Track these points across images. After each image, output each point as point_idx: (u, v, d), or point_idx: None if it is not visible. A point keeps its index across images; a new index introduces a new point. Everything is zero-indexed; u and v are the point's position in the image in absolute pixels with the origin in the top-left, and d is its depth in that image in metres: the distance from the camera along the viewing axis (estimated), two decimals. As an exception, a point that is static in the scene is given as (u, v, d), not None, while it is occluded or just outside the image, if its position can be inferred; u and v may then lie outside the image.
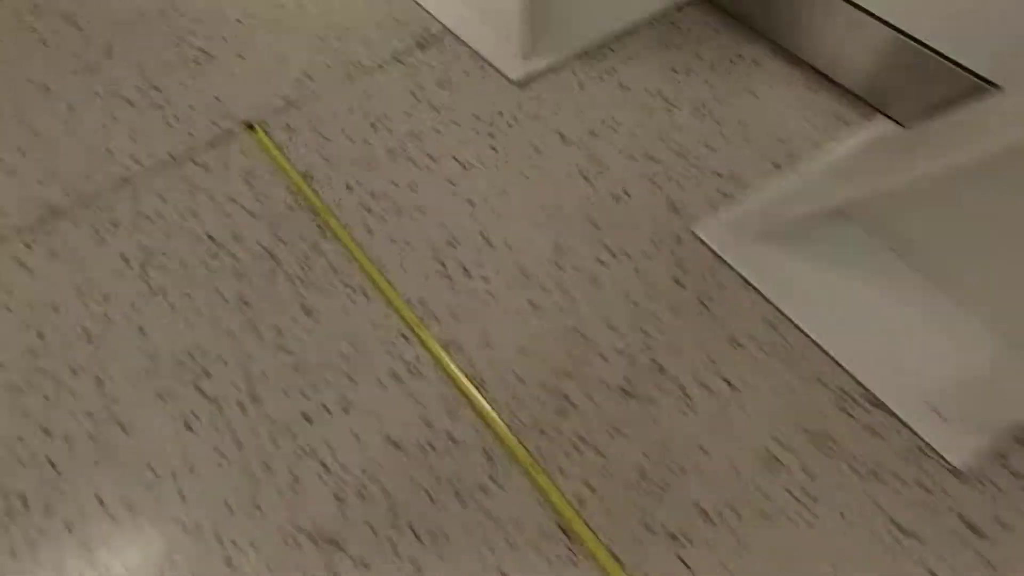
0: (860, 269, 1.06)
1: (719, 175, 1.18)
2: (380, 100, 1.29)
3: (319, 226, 1.12)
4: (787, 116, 1.26)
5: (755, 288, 1.05)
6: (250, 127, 1.25)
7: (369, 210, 1.14)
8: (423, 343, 1.00)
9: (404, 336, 1.02)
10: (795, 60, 1.34)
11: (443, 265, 1.08)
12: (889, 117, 1.24)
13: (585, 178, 1.18)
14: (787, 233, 1.09)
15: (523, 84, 1.31)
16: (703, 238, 1.10)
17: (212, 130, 1.25)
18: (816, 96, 1.29)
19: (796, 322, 1.02)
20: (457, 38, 1.38)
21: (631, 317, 1.03)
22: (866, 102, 1.27)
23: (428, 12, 1.43)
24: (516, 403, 0.96)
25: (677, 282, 1.07)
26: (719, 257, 1.09)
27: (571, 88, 1.31)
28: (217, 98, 1.29)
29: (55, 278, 1.07)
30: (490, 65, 1.34)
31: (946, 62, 1.10)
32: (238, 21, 1.43)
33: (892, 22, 1.15)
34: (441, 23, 1.41)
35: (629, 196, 1.16)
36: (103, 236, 1.11)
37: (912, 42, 1.13)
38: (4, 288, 1.06)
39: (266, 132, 1.24)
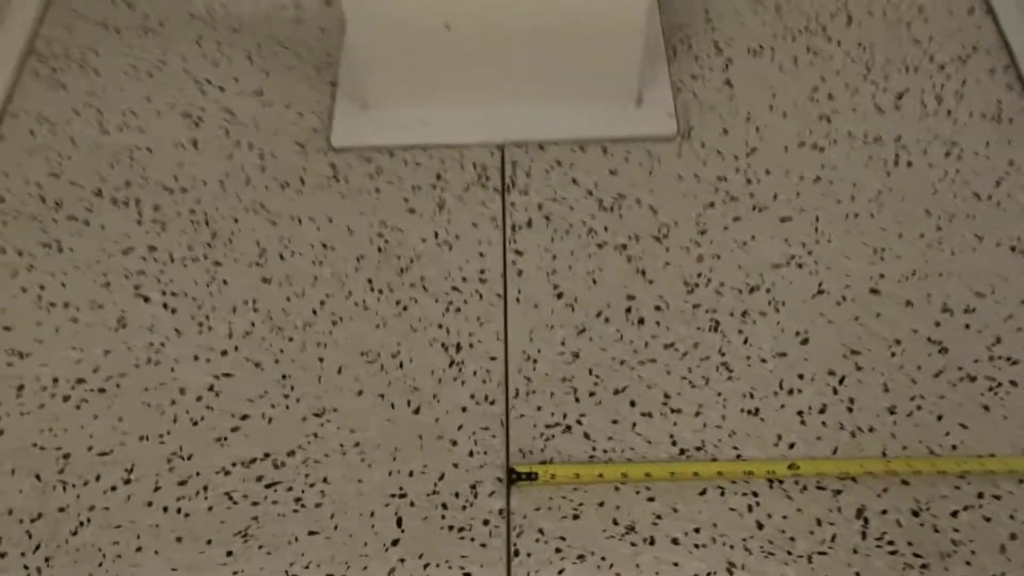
0: None
1: None
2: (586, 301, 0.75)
3: None
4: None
5: None
6: (520, 475, 0.65)
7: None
8: None
9: None
10: None
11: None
12: None
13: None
14: None
15: (684, 135, 0.87)
16: None
17: (469, 523, 0.62)
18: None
19: None
20: (536, 145, 0.85)
21: None
22: None
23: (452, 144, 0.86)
24: None
25: None
26: None
27: (729, 98, 0.88)
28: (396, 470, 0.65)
29: None
30: (622, 141, 0.85)
31: None
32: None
33: None
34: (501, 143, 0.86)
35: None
36: None
37: None
38: None
39: (547, 469, 0.65)
